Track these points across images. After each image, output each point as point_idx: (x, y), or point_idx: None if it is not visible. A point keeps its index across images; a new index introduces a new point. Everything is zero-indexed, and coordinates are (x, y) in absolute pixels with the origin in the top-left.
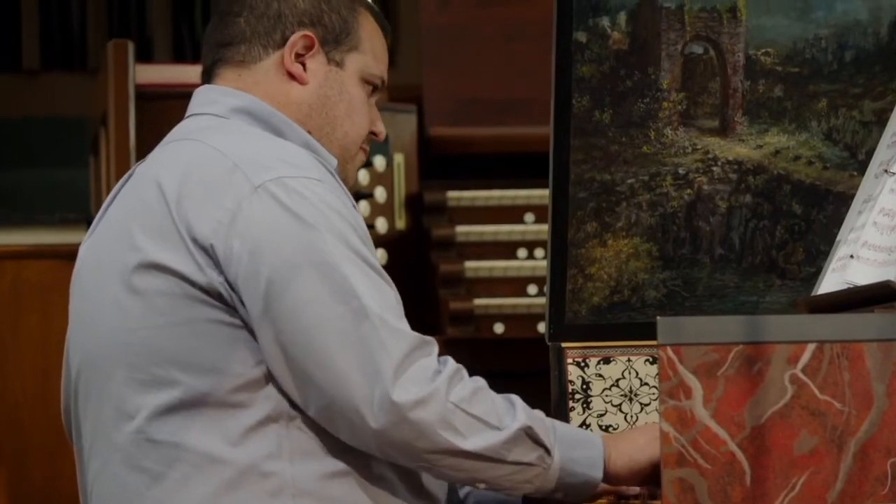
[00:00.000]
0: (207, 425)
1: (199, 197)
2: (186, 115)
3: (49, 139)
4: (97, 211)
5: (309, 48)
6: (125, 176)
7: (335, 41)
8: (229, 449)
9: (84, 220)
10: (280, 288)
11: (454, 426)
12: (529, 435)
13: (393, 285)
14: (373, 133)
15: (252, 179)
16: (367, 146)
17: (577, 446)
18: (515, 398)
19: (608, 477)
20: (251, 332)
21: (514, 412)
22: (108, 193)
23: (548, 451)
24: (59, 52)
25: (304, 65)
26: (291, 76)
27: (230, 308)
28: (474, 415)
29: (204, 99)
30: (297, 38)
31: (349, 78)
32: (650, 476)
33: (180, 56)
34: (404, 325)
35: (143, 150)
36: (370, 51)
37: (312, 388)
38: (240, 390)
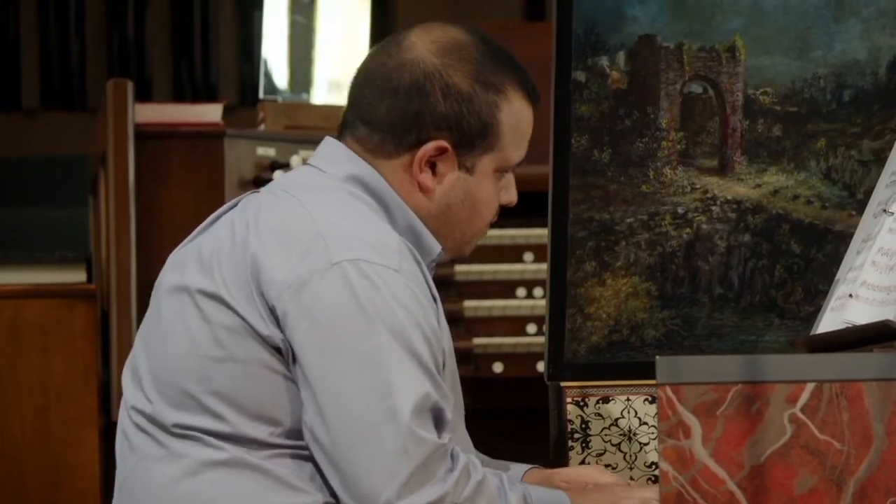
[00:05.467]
0: (245, 476)
1: (276, 255)
2: (311, 159)
3: (48, 178)
4: (96, 250)
5: (441, 151)
6: (235, 200)
7: (470, 145)
8: (262, 462)
9: (83, 259)
10: (325, 369)
11: None
12: None
13: (443, 389)
14: (502, 204)
15: (331, 254)
16: (495, 217)
17: None
18: (503, 476)
19: None
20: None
21: (505, 497)
22: (107, 232)
23: None
24: (58, 91)
25: (432, 165)
26: (417, 182)
27: (286, 361)
28: None
29: (330, 154)
30: (429, 148)
31: (477, 182)
32: None
33: (180, 95)
34: (430, 431)
35: (143, 188)
36: (510, 143)
37: (332, 469)
38: (280, 437)
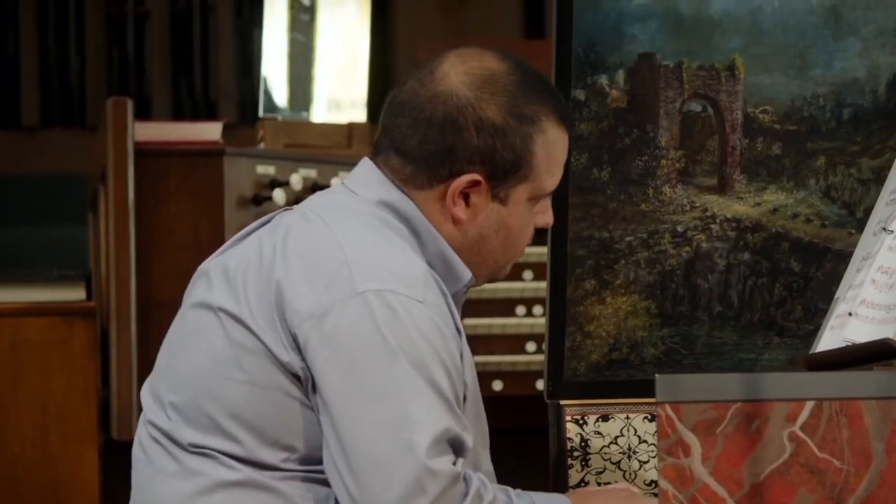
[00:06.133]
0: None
1: (301, 283)
2: (346, 179)
3: (48, 196)
4: (96, 268)
5: (475, 184)
6: (267, 216)
7: (503, 177)
8: (276, 483)
9: (83, 277)
10: (344, 398)
11: None
12: None
13: (463, 421)
14: (539, 227)
15: (356, 284)
16: (531, 240)
17: None
18: (509, 491)
19: None
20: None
21: None
22: (107, 250)
23: None
24: (58, 109)
25: (466, 196)
26: (450, 214)
27: (305, 388)
28: None
29: (364, 176)
30: (463, 181)
31: (511, 212)
32: None
33: (179, 113)
34: (447, 462)
35: (142, 206)
36: (544, 172)
37: (347, 497)
38: (293, 463)
